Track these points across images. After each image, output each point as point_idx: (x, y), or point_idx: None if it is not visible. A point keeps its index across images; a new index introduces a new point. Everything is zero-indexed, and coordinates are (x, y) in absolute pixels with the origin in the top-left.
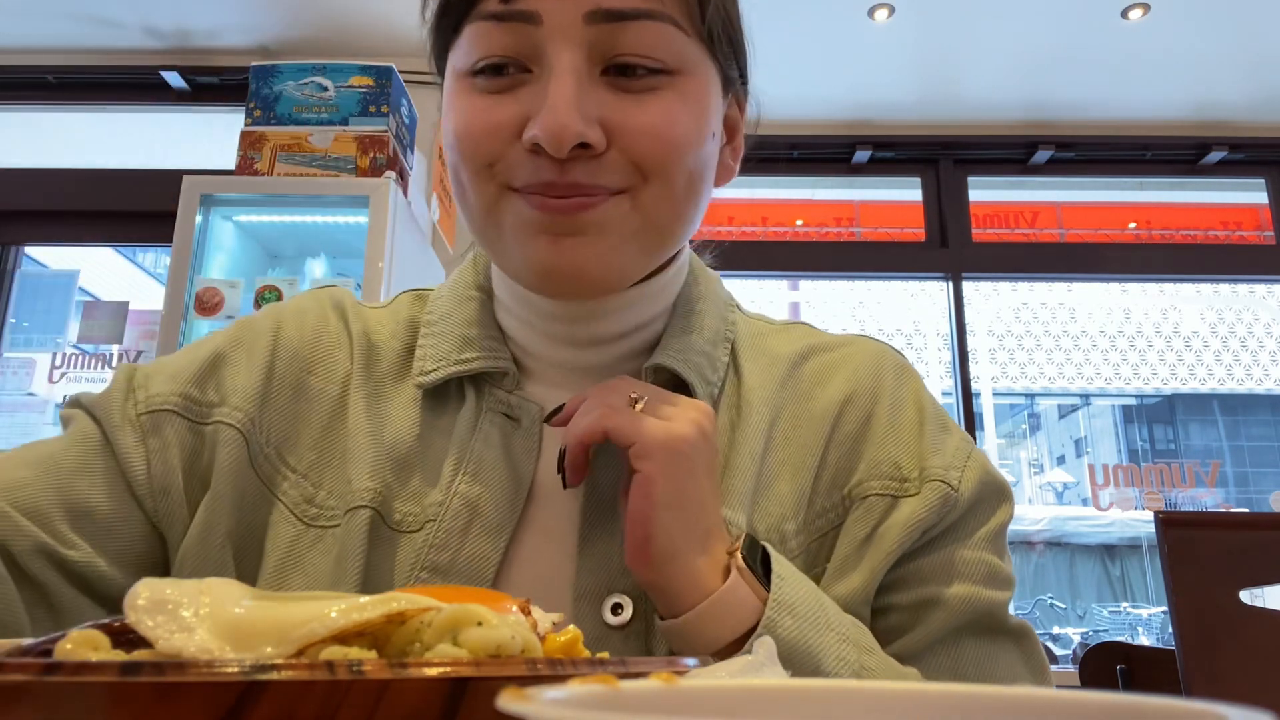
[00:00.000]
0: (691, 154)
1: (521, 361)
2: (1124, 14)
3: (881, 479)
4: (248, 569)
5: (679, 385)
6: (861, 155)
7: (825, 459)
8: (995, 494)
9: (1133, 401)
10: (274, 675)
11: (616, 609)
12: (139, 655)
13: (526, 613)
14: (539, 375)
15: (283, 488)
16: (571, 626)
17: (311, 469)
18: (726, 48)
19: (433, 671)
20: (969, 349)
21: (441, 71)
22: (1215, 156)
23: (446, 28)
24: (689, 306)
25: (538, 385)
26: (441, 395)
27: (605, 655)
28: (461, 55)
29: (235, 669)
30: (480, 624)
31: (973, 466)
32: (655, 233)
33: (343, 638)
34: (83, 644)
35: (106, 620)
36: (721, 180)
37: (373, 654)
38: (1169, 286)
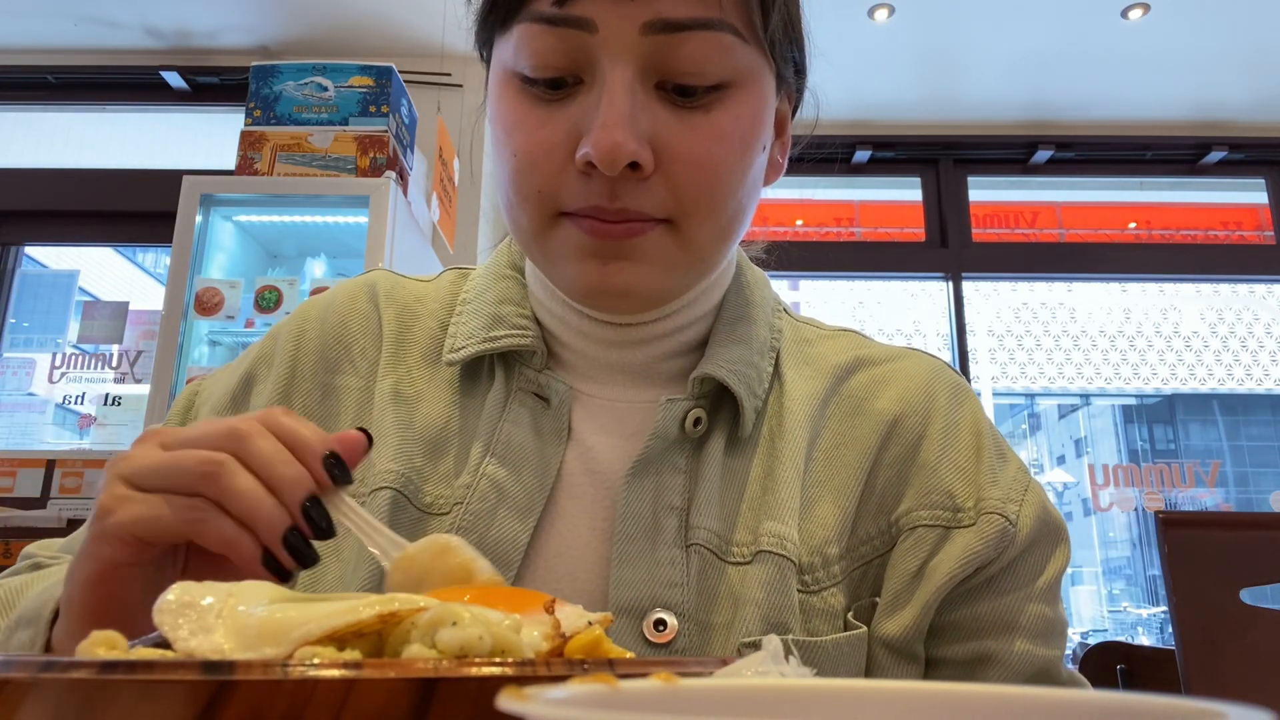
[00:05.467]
0: (739, 181)
1: (554, 350)
2: (1124, 14)
3: (932, 509)
4: None
5: (725, 396)
6: (861, 155)
7: (871, 482)
8: (1053, 535)
9: (1133, 401)
10: (226, 675)
11: (659, 625)
12: (139, 654)
13: (550, 611)
14: (572, 366)
15: None
16: (596, 627)
17: None
18: (786, 49)
19: (373, 672)
20: (969, 349)
21: (484, 51)
22: (1215, 156)
23: (494, 22)
24: (738, 312)
25: (569, 374)
26: (475, 375)
27: (632, 655)
28: (510, 53)
29: (196, 671)
30: (454, 624)
31: (1031, 501)
32: (700, 260)
33: (342, 638)
34: (100, 643)
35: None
36: (771, 179)
37: (355, 654)
38: (1169, 286)
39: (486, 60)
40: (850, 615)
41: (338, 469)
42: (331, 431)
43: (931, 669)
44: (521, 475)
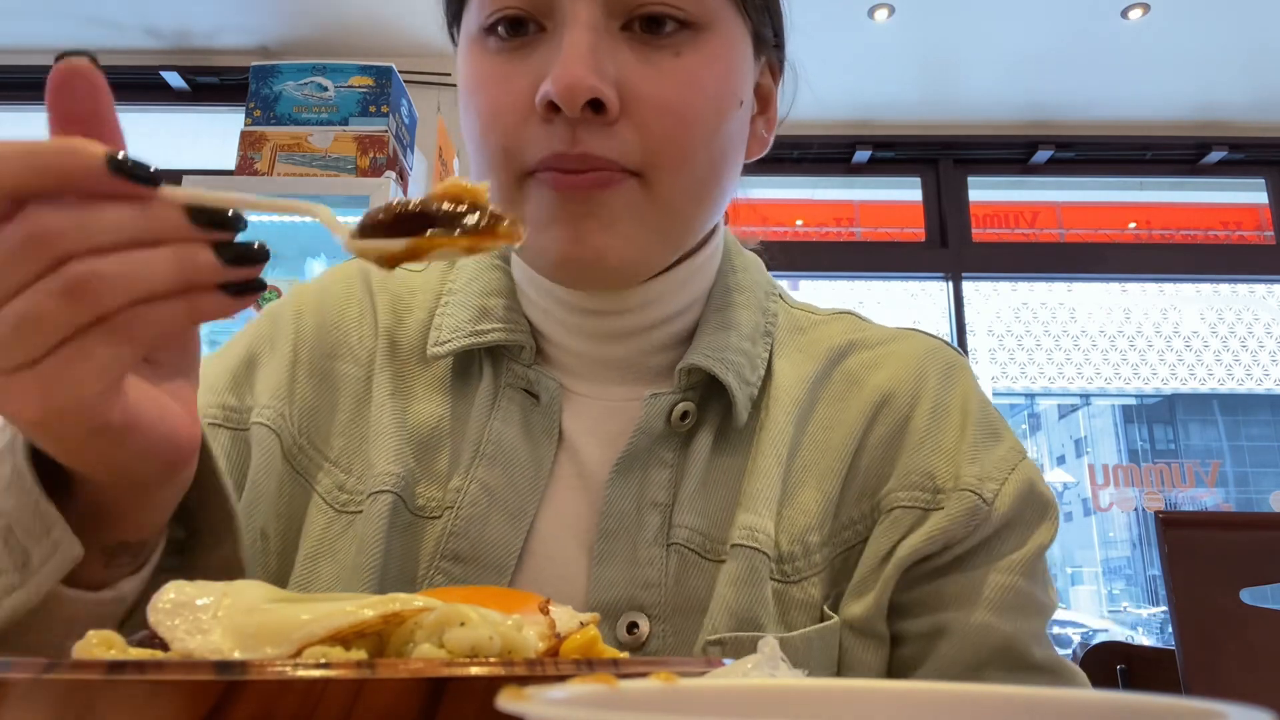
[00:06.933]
0: (712, 132)
1: (542, 347)
2: (1124, 13)
3: (911, 489)
4: (288, 562)
5: (716, 386)
6: (861, 155)
7: (855, 465)
8: (1037, 511)
9: (1133, 401)
10: (238, 675)
11: (632, 627)
12: (136, 655)
13: (545, 612)
14: (560, 363)
15: (318, 477)
16: (590, 627)
17: (342, 455)
18: (761, 11)
19: (389, 672)
20: (969, 349)
21: (453, 32)
22: (1215, 156)
23: None
24: (725, 298)
25: (558, 371)
26: (466, 371)
27: (623, 655)
28: (473, 15)
29: (208, 670)
30: (463, 624)
31: (1016, 480)
32: (674, 220)
33: (344, 638)
34: (100, 643)
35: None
36: (754, 152)
37: (361, 654)
38: (1169, 286)
39: (456, 43)
40: (828, 605)
41: (138, 175)
42: (332, 421)
43: (893, 645)
44: (512, 477)
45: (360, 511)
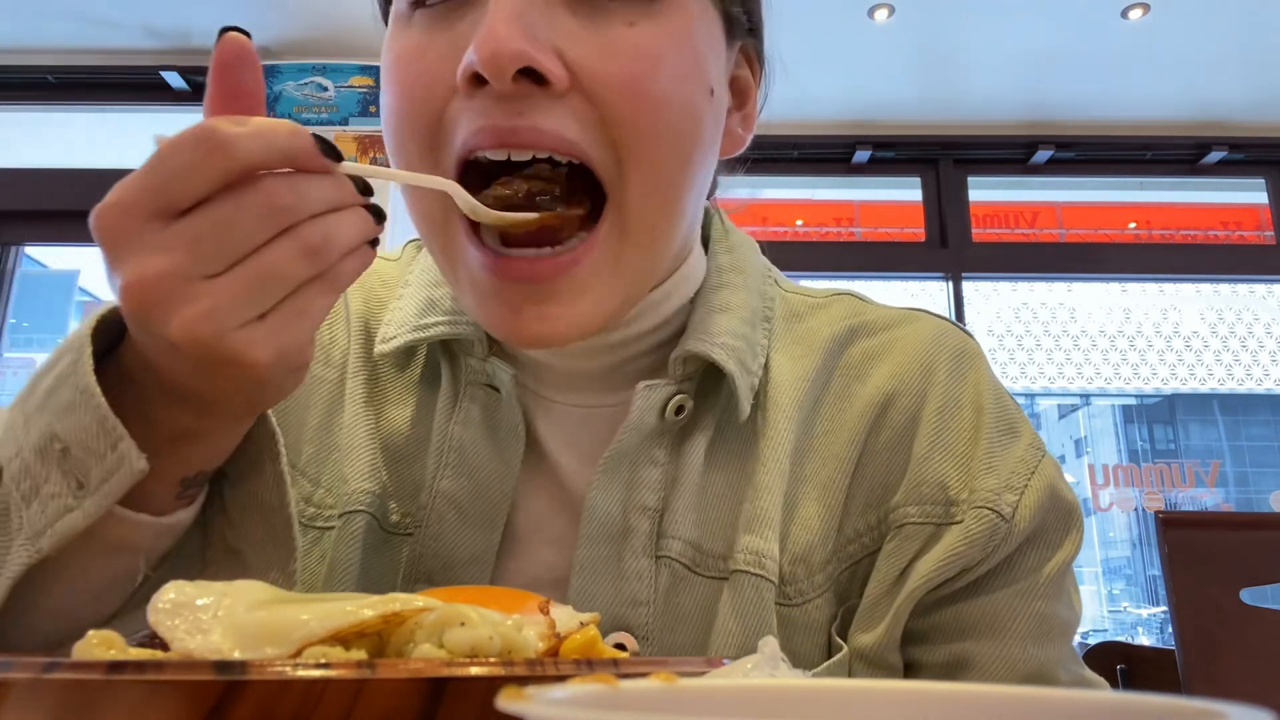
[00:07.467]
0: (680, 121)
1: (510, 352)
2: (1124, 14)
3: (923, 504)
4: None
5: (712, 378)
6: (861, 155)
7: (859, 473)
8: (1060, 521)
9: (1133, 401)
10: (238, 675)
11: (618, 650)
12: (136, 655)
13: (545, 612)
14: (526, 367)
15: None
16: (590, 627)
17: (310, 464)
18: None
19: (389, 672)
20: None
21: (384, 11)
22: (1215, 156)
23: None
24: (717, 279)
25: (524, 374)
26: (435, 371)
27: (623, 655)
28: None
29: (208, 670)
30: (463, 624)
31: (1036, 487)
32: (650, 241)
33: (344, 638)
34: (100, 643)
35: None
36: (729, 150)
37: (361, 654)
38: (1169, 286)
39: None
40: (835, 626)
41: (334, 154)
42: (302, 426)
43: (908, 671)
44: (479, 485)
45: (330, 528)
